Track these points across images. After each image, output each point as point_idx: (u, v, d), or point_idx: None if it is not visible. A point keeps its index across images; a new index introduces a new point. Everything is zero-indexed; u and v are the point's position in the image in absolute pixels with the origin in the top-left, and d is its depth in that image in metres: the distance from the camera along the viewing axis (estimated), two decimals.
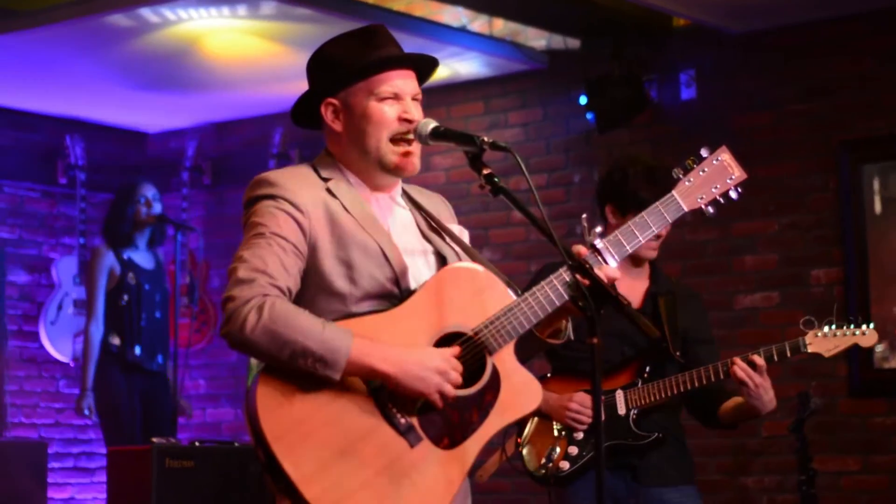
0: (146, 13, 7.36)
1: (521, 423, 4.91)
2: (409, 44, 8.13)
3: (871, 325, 4.68)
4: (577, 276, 3.22)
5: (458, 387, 3.22)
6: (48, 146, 9.53)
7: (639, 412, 4.74)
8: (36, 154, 9.53)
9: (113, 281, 8.01)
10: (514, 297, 3.34)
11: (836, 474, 7.28)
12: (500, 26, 8.10)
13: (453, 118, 8.63)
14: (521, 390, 3.31)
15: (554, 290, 3.31)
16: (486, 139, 3.28)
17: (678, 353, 4.78)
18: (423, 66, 3.48)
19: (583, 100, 8.01)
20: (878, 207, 7.46)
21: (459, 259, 3.42)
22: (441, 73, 8.51)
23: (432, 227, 3.48)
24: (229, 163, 9.78)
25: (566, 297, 3.29)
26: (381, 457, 3.13)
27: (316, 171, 3.39)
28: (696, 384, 4.67)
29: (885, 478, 7.27)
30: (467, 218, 8.62)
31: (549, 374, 4.90)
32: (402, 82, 3.40)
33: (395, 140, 3.37)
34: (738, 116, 7.82)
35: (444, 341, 3.26)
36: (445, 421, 3.21)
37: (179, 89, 8.95)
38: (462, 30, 8.01)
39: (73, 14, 7.42)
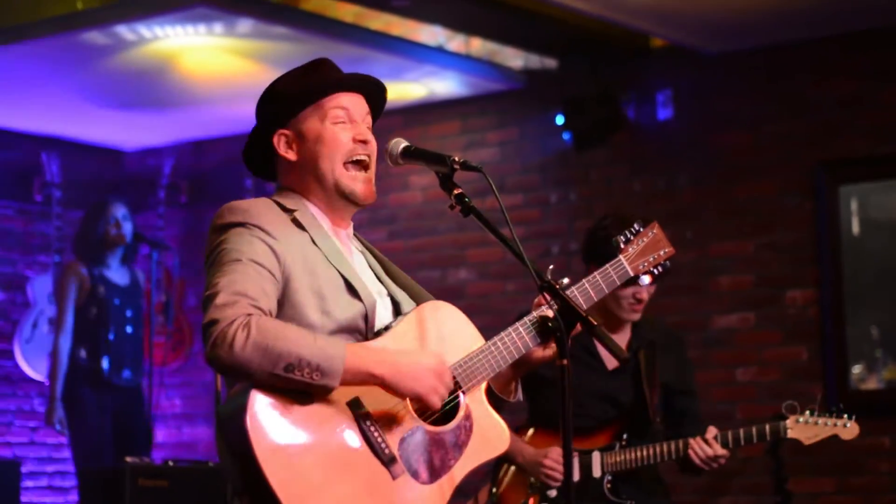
0: (123, 31, 7.34)
1: (495, 472, 4.95)
2: (387, 63, 8.06)
3: (854, 418, 4.74)
4: (547, 295, 3.21)
5: (436, 423, 3.21)
6: (24, 164, 9.49)
7: (614, 477, 4.77)
8: (11, 171, 9.48)
9: (83, 295, 7.99)
10: (485, 341, 3.34)
11: (812, 496, 7.27)
12: (478, 46, 8.10)
13: (430, 137, 8.62)
14: (490, 433, 3.30)
15: (527, 328, 3.35)
16: (457, 159, 3.27)
17: (658, 420, 4.85)
18: (372, 92, 3.43)
19: (560, 119, 8.02)
20: (855, 228, 7.46)
21: (415, 304, 3.38)
22: (418, 93, 8.51)
23: (384, 270, 3.45)
24: (206, 181, 9.75)
25: (536, 333, 3.34)
26: (366, 486, 3.08)
27: (279, 204, 3.32)
28: (672, 457, 4.74)
29: (860, 499, 7.27)
30: (443, 237, 8.63)
31: (529, 426, 4.95)
32: (352, 102, 3.35)
33: (350, 163, 3.32)
34: (715, 136, 7.83)
35: None
36: (424, 456, 3.18)
37: (156, 107, 8.93)
38: (439, 49, 8.00)
39: (49, 31, 7.39)
